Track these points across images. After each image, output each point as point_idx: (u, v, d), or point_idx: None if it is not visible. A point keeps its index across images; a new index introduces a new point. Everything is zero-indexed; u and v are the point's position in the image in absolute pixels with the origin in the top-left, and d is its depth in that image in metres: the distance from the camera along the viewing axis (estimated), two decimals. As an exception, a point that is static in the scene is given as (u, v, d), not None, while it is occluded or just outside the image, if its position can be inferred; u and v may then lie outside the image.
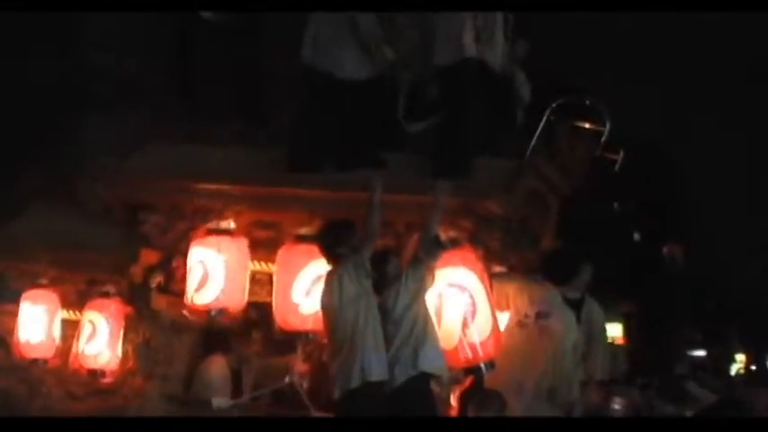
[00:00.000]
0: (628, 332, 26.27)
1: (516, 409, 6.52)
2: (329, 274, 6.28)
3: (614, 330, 25.94)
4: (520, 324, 6.81)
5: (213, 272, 6.98)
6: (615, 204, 9.57)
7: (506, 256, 7.31)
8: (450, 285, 6.58)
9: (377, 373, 6.09)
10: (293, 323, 6.81)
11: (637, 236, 10.02)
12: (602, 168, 7.88)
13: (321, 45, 7.17)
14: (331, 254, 6.37)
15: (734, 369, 30.33)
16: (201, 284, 7.00)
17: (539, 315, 6.78)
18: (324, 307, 6.26)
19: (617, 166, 7.79)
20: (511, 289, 6.93)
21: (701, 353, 31.20)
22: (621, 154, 7.83)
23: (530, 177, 7.08)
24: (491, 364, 6.51)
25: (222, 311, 7.03)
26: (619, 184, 8.69)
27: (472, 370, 6.54)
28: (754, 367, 30.73)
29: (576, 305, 7.14)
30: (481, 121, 7.06)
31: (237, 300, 7.10)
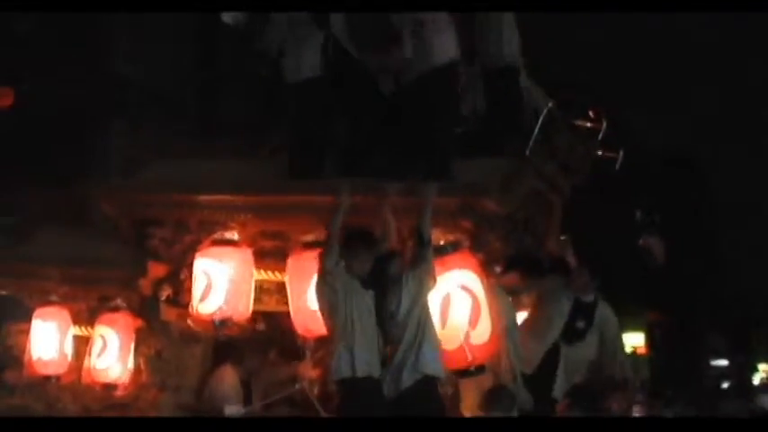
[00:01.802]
0: (650, 342, 26.25)
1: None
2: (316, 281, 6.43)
3: (636, 340, 26.01)
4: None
5: (216, 282, 7.08)
6: (638, 213, 9.60)
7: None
8: (459, 287, 6.64)
9: (362, 370, 6.18)
10: (314, 329, 6.87)
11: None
12: (604, 168, 7.94)
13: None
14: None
15: (757, 379, 30.25)
16: (205, 294, 7.11)
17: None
18: (320, 310, 6.40)
19: (617, 165, 7.84)
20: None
21: (723, 362, 31.09)
22: (621, 153, 7.88)
23: (529, 176, 7.15)
24: (482, 369, 6.55)
25: (227, 321, 7.11)
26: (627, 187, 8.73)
27: (463, 372, 6.56)
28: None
29: (589, 309, 7.19)
30: (477, 123, 7.14)
31: (242, 309, 7.18)
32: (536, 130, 7.17)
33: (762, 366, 31.47)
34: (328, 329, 6.40)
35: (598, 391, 7.45)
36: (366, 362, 6.21)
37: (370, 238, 6.50)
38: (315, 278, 6.61)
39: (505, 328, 6.79)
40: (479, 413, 6.52)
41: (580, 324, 7.03)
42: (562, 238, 7.82)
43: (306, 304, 6.83)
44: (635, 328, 26.56)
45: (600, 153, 7.81)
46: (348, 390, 6.32)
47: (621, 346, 7.54)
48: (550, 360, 7.03)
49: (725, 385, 27.96)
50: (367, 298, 6.32)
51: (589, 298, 7.09)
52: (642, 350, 26.05)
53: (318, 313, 6.58)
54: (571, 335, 7.02)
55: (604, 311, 7.17)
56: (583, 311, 7.02)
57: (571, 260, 7.52)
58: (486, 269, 6.95)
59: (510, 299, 7.01)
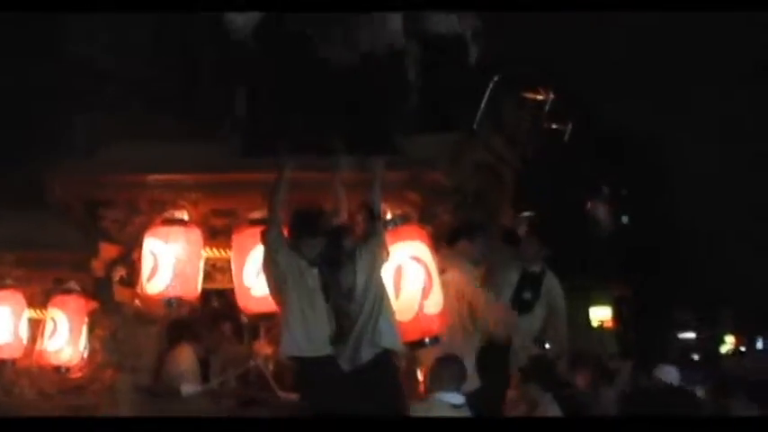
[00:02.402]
0: (617, 316, 26.47)
1: None
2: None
3: (603, 313, 26.23)
4: None
5: (162, 261, 7.09)
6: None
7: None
8: (410, 258, 6.68)
9: (308, 348, 6.22)
10: (249, 306, 6.94)
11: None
12: (553, 140, 8.01)
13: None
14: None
15: (724, 351, 30.58)
16: (152, 274, 7.12)
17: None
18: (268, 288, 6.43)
19: (566, 137, 7.91)
20: None
21: (691, 335, 31.40)
22: (570, 125, 7.95)
23: (477, 149, 7.21)
24: (436, 339, 6.60)
25: (175, 300, 7.13)
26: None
27: (416, 344, 6.61)
28: (743, 349, 30.99)
29: (536, 278, 7.24)
30: (424, 98, 7.18)
31: (191, 288, 7.19)
32: (483, 104, 7.22)
33: (729, 339, 31.81)
34: (277, 307, 6.42)
35: (555, 363, 7.55)
36: (310, 340, 6.22)
37: (316, 221, 6.47)
38: (254, 255, 6.69)
39: (468, 300, 6.84)
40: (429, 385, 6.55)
41: (527, 294, 7.08)
42: (526, 214, 7.85)
43: (243, 281, 6.87)
44: (602, 303, 26.77)
45: (548, 125, 7.86)
46: (299, 367, 6.39)
47: (564, 319, 7.55)
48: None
49: (695, 357, 28.27)
50: (312, 276, 6.29)
51: (537, 268, 7.14)
52: (609, 324, 26.26)
53: (253, 291, 6.67)
54: (519, 305, 7.07)
55: (551, 282, 7.22)
56: (530, 282, 7.08)
57: (523, 232, 7.59)
58: (435, 242, 7.04)
59: (473, 269, 7.03)
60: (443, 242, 7.03)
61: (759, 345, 31.53)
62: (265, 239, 6.43)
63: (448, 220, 7.23)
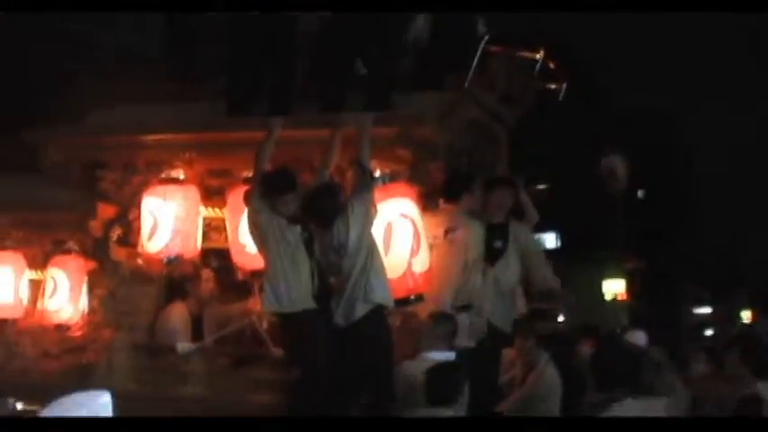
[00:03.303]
0: (631, 288, 26.43)
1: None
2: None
3: (617, 286, 26.21)
4: (431, 247, 6.94)
5: (162, 220, 7.18)
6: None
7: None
8: (400, 216, 6.72)
9: (287, 304, 6.32)
10: (243, 263, 7.02)
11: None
12: (547, 99, 7.99)
13: None
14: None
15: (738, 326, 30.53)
16: (152, 233, 7.22)
17: (447, 231, 6.90)
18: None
19: (560, 97, 7.89)
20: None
21: (707, 310, 31.37)
22: (565, 85, 7.93)
23: (468, 106, 7.23)
24: (421, 298, 6.66)
25: (175, 258, 7.22)
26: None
27: (402, 301, 6.64)
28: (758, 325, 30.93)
29: (501, 229, 7.17)
30: (417, 56, 7.21)
31: (190, 246, 7.30)
32: (475, 61, 7.22)
33: (744, 314, 31.77)
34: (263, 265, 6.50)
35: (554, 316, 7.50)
36: (290, 297, 6.31)
37: (291, 178, 6.54)
38: (245, 213, 6.73)
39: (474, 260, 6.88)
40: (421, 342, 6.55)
41: (497, 244, 7.04)
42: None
43: (237, 239, 6.95)
44: (616, 275, 26.81)
45: (542, 85, 7.85)
46: (282, 323, 6.49)
47: (541, 257, 7.50)
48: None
49: (708, 332, 28.24)
50: (293, 233, 6.37)
51: (499, 219, 7.07)
52: (623, 296, 26.30)
53: (248, 248, 6.74)
54: (491, 255, 7.02)
55: (517, 229, 7.13)
56: (497, 232, 7.04)
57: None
58: (431, 200, 7.09)
59: (483, 230, 7.02)
60: (446, 199, 7.05)
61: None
62: (248, 199, 6.51)
63: (440, 177, 7.26)
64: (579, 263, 22.46)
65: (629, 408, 5.32)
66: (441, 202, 7.04)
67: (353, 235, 6.33)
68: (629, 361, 5.75)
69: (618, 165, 7.50)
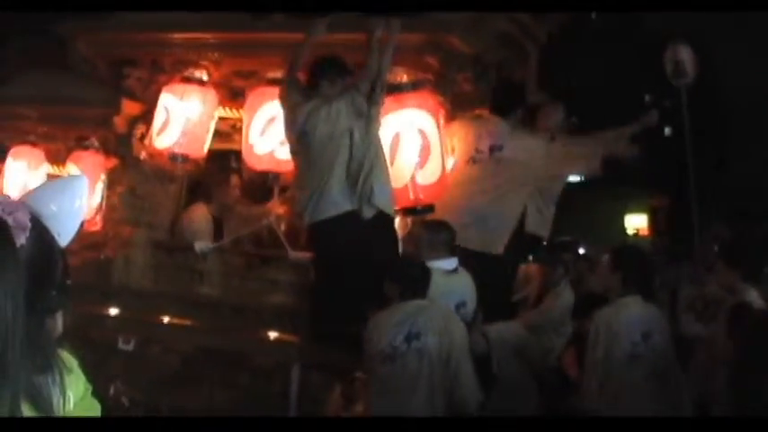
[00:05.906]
0: (653, 225, 26.21)
1: (467, 239, 6.64)
2: (321, 106, 6.27)
3: (640, 221, 26.03)
4: (472, 160, 6.90)
5: (174, 117, 7.17)
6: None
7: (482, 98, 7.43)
8: (410, 126, 6.66)
9: (343, 207, 6.23)
10: (252, 163, 7.00)
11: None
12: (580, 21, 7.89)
13: None
14: (315, 86, 6.41)
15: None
16: (162, 129, 7.20)
17: (492, 149, 6.87)
18: (307, 135, 6.29)
19: (593, 15, 7.78)
20: (457, 129, 7.05)
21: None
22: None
23: (499, 18, 7.12)
24: (430, 208, 6.61)
25: (181, 156, 7.20)
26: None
27: (408, 211, 6.63)
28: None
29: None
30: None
31: (197, 147, 7.27)
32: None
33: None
34: (308, 159, 6.35)
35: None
36: (332, 202, 6.23)
37: (341, 62, 6.46)
38: (261, 114, 6.77)
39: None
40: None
41: None
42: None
43: (248, 138, 6.94)
44: (638, 210, 26.66)
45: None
46: (315, 231, 6.40)
47: None
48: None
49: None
50: (329, 127, 6.21)
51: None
52: (645, 232, 26.25)
53: (256, 148, 6.78)
54: None
55: None
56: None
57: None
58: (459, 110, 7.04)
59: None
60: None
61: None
62: (282, 95, 6.44)
63: (468, 89, 7.20)
64: (601, 197, 22.42)
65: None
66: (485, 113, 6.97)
67: (369, 137, 6.24)
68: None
69: (684, 55, 7.26)
